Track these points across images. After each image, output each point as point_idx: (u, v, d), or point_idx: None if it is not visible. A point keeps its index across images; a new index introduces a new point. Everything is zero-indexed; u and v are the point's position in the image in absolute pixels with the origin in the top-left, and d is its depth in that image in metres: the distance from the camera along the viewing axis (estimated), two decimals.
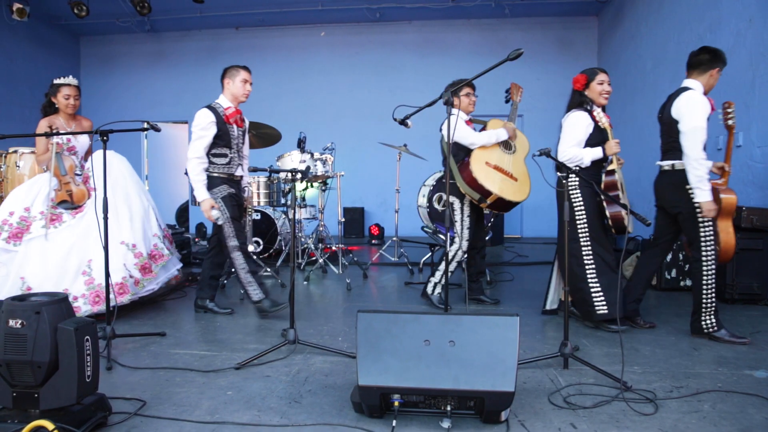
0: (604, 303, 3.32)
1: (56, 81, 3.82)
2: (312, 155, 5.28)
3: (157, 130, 3.13)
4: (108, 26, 9.48)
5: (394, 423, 1.97)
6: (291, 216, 2.88)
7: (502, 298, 4.35)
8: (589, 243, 3.36)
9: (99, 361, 1.99)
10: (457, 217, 3.85)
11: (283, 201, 5.94)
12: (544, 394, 2.34)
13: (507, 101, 4.14)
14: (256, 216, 6.19)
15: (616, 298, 3.25)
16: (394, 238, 6.02)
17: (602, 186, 3.35)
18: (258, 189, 5.64)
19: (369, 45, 9.56)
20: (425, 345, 1.99)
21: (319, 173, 5.28)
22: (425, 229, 5.81)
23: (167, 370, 2.63)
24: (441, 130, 3.87)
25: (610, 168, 3.39)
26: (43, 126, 3.73)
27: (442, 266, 3.88)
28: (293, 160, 5.23)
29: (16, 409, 1.85)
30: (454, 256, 3.85)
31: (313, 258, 5.71)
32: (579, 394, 2.34)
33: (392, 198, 6.56)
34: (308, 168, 5.09)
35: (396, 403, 1.99)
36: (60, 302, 1.91)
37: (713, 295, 3.15)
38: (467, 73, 3.60)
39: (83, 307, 3.43)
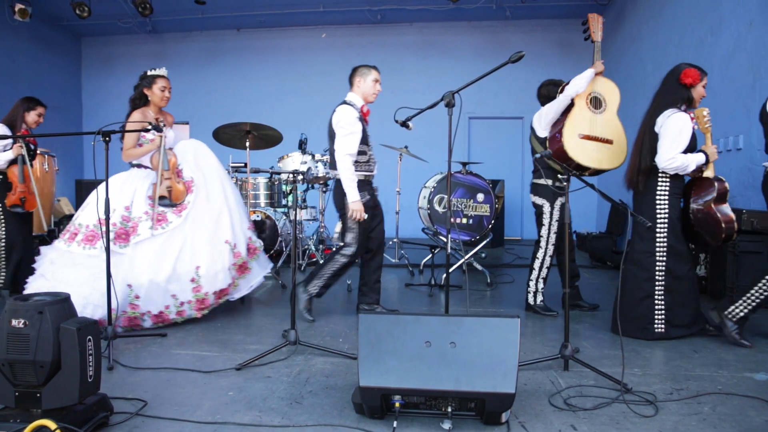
0: (663, 322, 3.17)
1: (151, 72, 3.70)
2: (313, 156, 5.29)
3: (159, 130, 3.14)
4: (109, 27, 9.50)
5: (395, 424, 1.97)
6: (292, 217, 2.88)
7: (502, 299, 4.35)
8: (664, 258, 3.17)
9: (101, 361, 2.00)
10: (546, 221, 3.75)
11: (284, 202, 5.95)
12: (544, 396, 2.35)
13: (586, 39, 3.85)
14: (257, 217, 6.19)
15: (681, 318, 3.19)
16: (395, 240, 6.03)
17: (716, 193, 3.16)
18: (259, 190, 5.64)
19: (370, 47, 9.58)
20: (426, 346, 2.00)
21: (320, 174, 5.29)
22: (426, 230, 5.82)
23: (168, 371, 2.64)
24: (532, 123, 3.86)
25: (706, 174, 3.23)
26: (137, 118, 3.56)
27: (534, 275, 3.82)
28: (294, 161, 5.24)
29: (18, 409, 1.86)
30: (542, 264, 3.77)
31: (314, 259, 5.72)
32: (579, 396, 2.35)
33: (393, 199, 6.55)
34: (309, 169, 5.09)
35: (397, 404, 2.00)
36: (62, 302, 1.92)
37: None
38: (468, 75, 3.60)
39: (188, 311, 3.41)
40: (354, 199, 3.40)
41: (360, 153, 3.49)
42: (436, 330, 2.02)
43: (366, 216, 3.46)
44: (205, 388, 2.42)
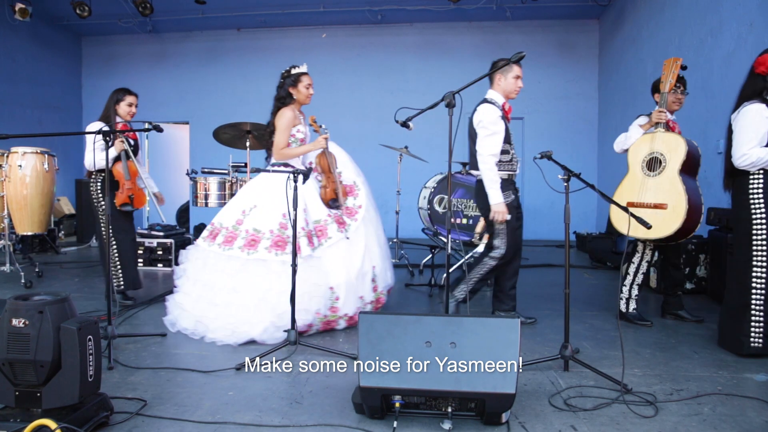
0: (761, 336, 2.88)
1: (295, 70, 3.64)
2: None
3: (160, 130, 3.14)
4: (110, 27, 9.49)
5: (395, 424, 1.98)
6: (292, 217, 2.88)
7: None
8: (765, 264, 2.87)
9: (101, 361, 2.00)
10: None
11: None
12: (544, 396, 2.35)
13: (655, 91, 3.62)
14: None
15: None
16: (395, 240, 6.03)
17: None
18: None
19: (370, 47, 9.58)
20: (426, 347, 2.00)
21: None
22: (426, 231, 5.82)
23: (168, 370, 2.64)
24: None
25: None
26: (289, 116, 3.55)
27: (628, 280, 3.66)
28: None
29: (18, 408, 1.86)
30: (637, 269, 3.65)
31: None
32: (579, 396, 2.35)
33: (393, 199, 6.56)
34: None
35: (397, 405, 2.00)
36: (63, 302, 1.92)
37: None
38: (469, 75, 3.60)
39: (367, 307, 3.41)
40: (497, 201, 3.28)
41: (503, 152, 3.37)
42: (436, 330, 2.02)
43: (509, 216, 3.34)
44: (205, 388, 2.42)
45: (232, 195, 5.38)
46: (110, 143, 3.79)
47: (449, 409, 2.00)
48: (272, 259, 3.19)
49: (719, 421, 2.12)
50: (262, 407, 2.21)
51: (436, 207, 5.36)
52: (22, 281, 4.62)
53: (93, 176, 3.95)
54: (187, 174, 5.71)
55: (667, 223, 3.18)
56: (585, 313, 3.91)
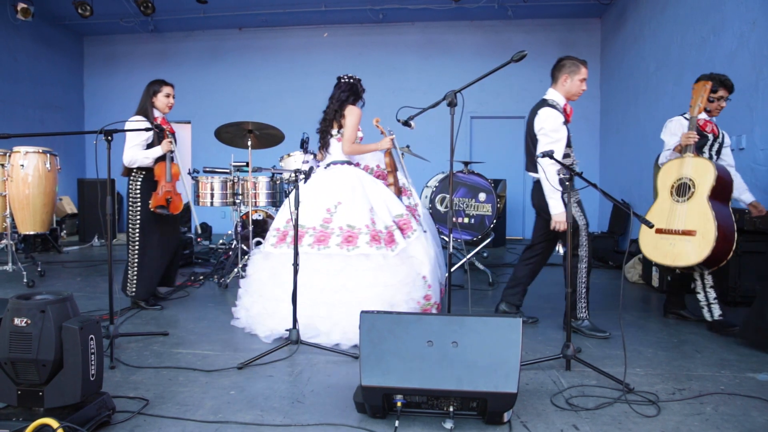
0: None
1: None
2: (315, 156, 5.28)
3: (161, 130, 3.14)
4: (111, 26, 9.50)
5: (396, 423, 1.97)
6: (294, 217, 2.88)
7: None
8: None
9: (103, 360, 2.00)
10: None
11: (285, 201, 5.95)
12: (546, 396, 2.34)
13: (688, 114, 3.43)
14: (258, 216, 6.20)
15: None
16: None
17: None
18: (261, 189, 5.64)
19: (372, 46, 9.57)
20: (428, 346, 2.00)
21: None
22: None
23: (170, 370, 2.64)
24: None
25: None
26: (359, 113, 3.70)
27: (708, 282, 3.42)
28: (296, 160, 5.23)
29: (20, 407, 1.86)
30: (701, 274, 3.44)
31: None
32: (581, 396, 2.35)
33: None
34: (311, 169, 5.08)
35: (399, 404, 2.00)
36: (64, 301, 1.92)
37: None
38: (470, 74, 3.60)
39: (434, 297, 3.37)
40: (558, 210, 3.17)
41: (564, 156, 3.25)
42: (438, 329, 2.01)
43: (580, 218, 3.30)
44: (206, 387, 2.42)
45: (234, 194, 5.38)
46: (155, 141, 3.75)
47: (451, 409, 2.00)
48: (374, 252, 3.18)
49: (722, 420, 2.12)
50: (264, 406, 2.21)
51: (438, 206, 5.36)
52: (25, 281, 4.63)
53: (133, 174, 3.80)
54: (189, 173, 5.71)
55: (696, 251, 3.09)
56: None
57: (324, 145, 3.78)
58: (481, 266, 5.28)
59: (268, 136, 4.94)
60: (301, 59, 9.69)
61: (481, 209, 5.40)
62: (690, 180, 3.22)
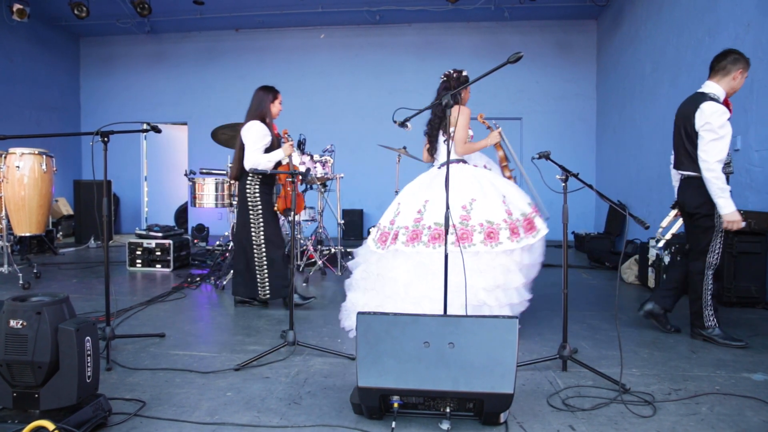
0: None
1: (465, 73, 3.64)
2: (312, 157, 5.29)
3: (158, 131, 3.14)
4: (108, 27, 9.49)
5: (393, 424, 1.98)
6: (290, 218, 2.88)
7: None
8: None
9: (99, 362, 1.99)
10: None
11: None
12: (542, 396, 2.35)
13: None
14: None
15: None
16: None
17: None
18: None
19: (368, 47, 9.59)
20: (425, 347, 2.00)
21: (318, 175, 5.29)
22: None
23: (167, 371, 2.64)
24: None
25: None
26: (469, 113, 3.55)
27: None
28: (293, 161, 5.23)
29: (16, 410, 1.85)
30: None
31: (312, 260, 5.72)
32: (577, 396, 2.35)
33: (391, 200, 6.56)
34: (308, 170, 5.09)
35: (395, 405, 2.00)
36: (61, 303, 1.91)
37: None
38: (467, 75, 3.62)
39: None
40: (730, 210, 3.01)
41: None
42: (434, 330, 2.02)
43: (744, 224, 3.12)
44: (203, 389, 2.42)
45: (230, 196, 5.38)
46: (274, 145, 3.78)
47: (447, 410, 2.00)
48: (515, 247, 3.14)
49: (717, 420, 2.12)
50: (261, 408, 2.21)
51: None
52: (20, 282, 4.62)
53: (249, 178, 3.80)
54: (186, 175, 5.70)
55: None
56: (583, 313, 3.92)
57: (433, 146, 3.69)
58: None
59: None
60: (298, 60, 9.70)
61: None
62: None
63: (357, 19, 9.25)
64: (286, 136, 3.85)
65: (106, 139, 2.88)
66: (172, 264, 5.70)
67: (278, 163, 3.83)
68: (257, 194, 3.80)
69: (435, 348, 1.99)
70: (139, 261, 5.74)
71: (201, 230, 8.63)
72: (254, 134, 3.72)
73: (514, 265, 3.15)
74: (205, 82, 9.84)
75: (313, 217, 6.06)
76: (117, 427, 2.02)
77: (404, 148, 5.78)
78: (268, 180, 3.85)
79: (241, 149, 3.79)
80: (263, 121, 3.82)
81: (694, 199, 3.18)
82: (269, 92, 3.89)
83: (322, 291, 4.77)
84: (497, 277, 3.09)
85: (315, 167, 5.27)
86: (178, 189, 10.61)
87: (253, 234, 3.80)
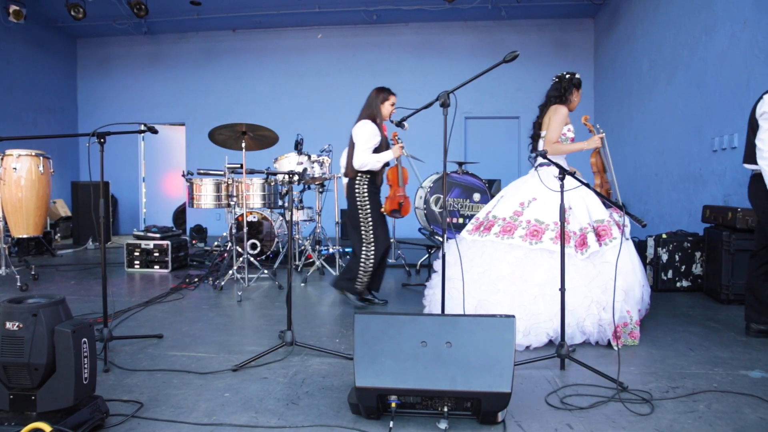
0: None
1: (578, 76, 3.62)
2: (309, 157, 5.29)
3: (155, 132, 3.13)
4: (105, 28, 9.48)
5: (391, 424, 1.98)
6: (288, 218, 2.88)
7: None
8: None
9: (96, 363, 1.99)
10: None
11: (280, 203, 5.95)
12: (540, 395, 2.35)
13: None
14: (253, 218, 6.19)
15: None
16: (392, 240, 6.03)
17: None
18: (255, 191, 5.64)
19: (366, 47, 9.58)
20: (422, 346, 2.00)
21: (316, 175, 5.29)
22: (422, 230, 5.82)
23: (164, 372, 2.63)
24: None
25: None
26: (564, 113, 3.52)
27: None
28: (290, 162, 5.23)
29: (12, 412, 1.85)
30: None
31: (311, 260, 5.72)
32: (575, 395, 2.35)
33: None
34: (305, 170, 5.09)
35: (393, 405, 2.00)
36: (57, 304, 1.91)
37: None
38: (464, 75, 3.61)
39: (636, 332, 3.09)
40: None
41: None
42: (431, 330, 2.02)
43: None
44: (201, 390, 2.41)
45: (228, 196, 5.38)
46: (383, 146, 3.80)
47: (445, 409, 2.00)
48: (557, 249, 3.06)
49: (715, 418, 2.13)
50: (259, 408, 2.21)
51: (433, 207, 5.36)
52: (18, 284, 4.61)
53: (358, 177, 3.84)
54: (183, 175, 5.70)
55: None
56: None
57: (534, 146, 3.70)
58: None
59: (262, 138, 4.93)
60: (295, 60, 9.69)
61: (475, 209, 5.41)
62: None
63: (354, 19, 9.24)
64: (396, 138, 3.87)
65: (102, 140, 2.87)
66: (170, 265, 5.70)
67: (387, 165, 3.88)
68: (365, 194, 3.85)
69: (432, 347, 1.99)
70: (137, 262, 5.73)
71: (199, 231, 8.62)
72: (364, 134, 3.76)
73: (548, 271, 3.09)
74: (203, 82, 9.83)
75: (311, 218, 6.06)
76: (114, 429, 2.02)
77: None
78: (374, 180, 3.90)
79: (351, 148, 3.85)
80: (373, 121, 3.85)
81: (759, 198, 3.12)
82: (381, 93, 3.93)
83: (320, 291, 4.77)
84: (523, 274, 3.14)
85: (312, 167, 5.27)
86: (175, 190, 10.61)
87: (363, 230, 3.85)
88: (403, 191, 3.86)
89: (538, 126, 3.65)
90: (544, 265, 3.14)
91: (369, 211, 3.84)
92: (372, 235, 3.85)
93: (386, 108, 3.92)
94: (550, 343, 3.03)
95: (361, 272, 3.89)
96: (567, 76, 3.59)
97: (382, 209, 3.86)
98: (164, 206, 10.50)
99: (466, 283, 3.21)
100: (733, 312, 3.90)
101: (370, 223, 3.84)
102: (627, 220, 3.34)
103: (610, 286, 2.99)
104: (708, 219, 4.53)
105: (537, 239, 3.19)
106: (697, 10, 5.52)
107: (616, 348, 2.96)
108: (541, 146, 3.58)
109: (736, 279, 4.10)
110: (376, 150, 3.81)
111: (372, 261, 3.87)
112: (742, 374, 2.63)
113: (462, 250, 3.38)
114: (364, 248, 3.87)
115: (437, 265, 3.42)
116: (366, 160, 3.74)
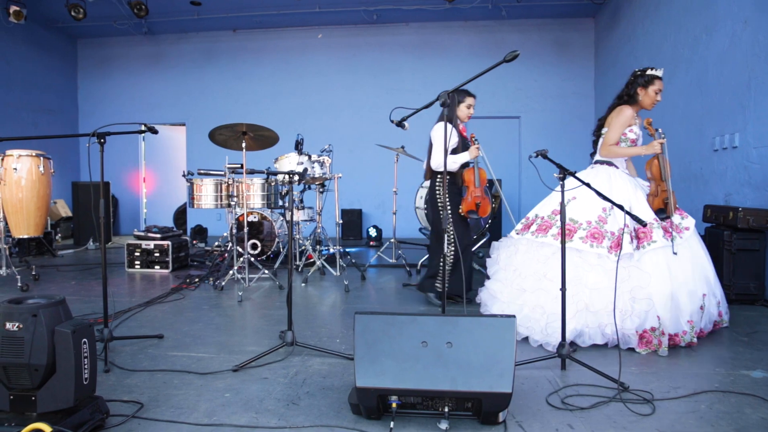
0: None
1: (651, 72, 3.42)
2: (309, 157, 5.28)
3: (155, 132, 3.13)
4: (105, 29, 9.48)
5: (391, 424, 1.97)
6: (288, 218, 2.88)
7: None
8: None
9: (96, 364, 1.99)
10: None
11: (280, 203, 5.95)
12: (541, 395, 2.34)
13: None
14: (253, 218, 6.19)
15: None
16: (392, 240, 6.02)
17: None
18: (255, 191, 5.64)
19: (366, 47, 9.58)
20: (423, 346, 1.99)
21: (316, 175, 5.28)
22: (423, 230, 5.82)
23: (165, 373, 2.63)
24: None
25: None
26: (628, 114, 3.41)
27: None
28: (291, 162, 5.23)
29: (13, 412, 1.85)
30: None
31: (311, 260, 5.71)
32: (576, 395, 2.35)
33: (390, 200, 6.56)
34: (305, 170, 5.08)
35: (394, 405, 1.99)
36: (57, 305, 1.91)
37: None
38: (464, 74, 3.61)
39: (695, 341, 3.03)
40: None
41: None
42: (432, 330, 2.01)
43: None
44: (201, 390, 2.41)
45: (229, 196, 5.38)
46: (460, 148, 3.81)
47: (446, 409, 2.00)
48: (587, 249, 3.11)
49: (716, 418, 2.12)
50: (259, 409, 2.21)
51: None
52: (19, 284, 4.61)
53: (438, 178, 3.85)
54: (184, 176, 5.70)
55: None
56: None
57: (595, 141, 3.69)
58: (476, 266, 5.28)
59: (262, 138, 4.93)
60: (296, 60, 9.69)
61: None
62: None
63: (354, 19, 9.24)
64: (473, 139, 3.88)
65: (102, 140, 2.87)
66: (170, 265, 5.70)
67: (465, 165, 3.89)
68: (446, 194, 3.83)
69: (433, 347, 1.99)
70: (137, 262, 5.73)
71: (200, 231, 8.62)
72: (441, 135, 3.75)
73: (574, 270, 3.07)
74: (203, 82, 9.83)
75: (311, 218, 6.06)
76: (115, 429, 2.02)
77: (402, 147, 5.78)
78: (454, 181, 3.91)
79: (430, 149, 3.87)
80: (451, 122, 3.83)
81: None
82: (457, 95, 3.90)
83: (320, 291, 4.77)
84: (548, 272, 3.19)
85: (313, 167, 5.26)
86: (176, 190, 10.61)
87: (442, 231, 3.85)
88: (480, 192, 3.84)
89: (600, 125, 3.62)
90: (570, 263, 3.11)
91: (450, 211, 3.81)
92: (451, 235, 3.81)
93: (462, 110, 3.92)
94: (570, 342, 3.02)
95: (440, 272, 3.89)
96: (638, 72, 3.49)
97: (460, 210, 3.85)
98: (165, 206, 10.50)
99: (502, 281, 3.36)
100: (734, 311, 3.89)
101: (450, 223, 3.83)
102: (690, 221, 3.32)
103: (639, 292, 2.97)
104: (709, 218, 4.53)
105: (568, 238, 3.18)
106: (698, 9, 5.52)
107: (642, 353, 2.93)
108: (599, 146, 3.57)
109: (738, 278, 4.10)
110: (454, 151, 3.84)
111: (450, 260, 3.84)
112: (743, 374, 2.62)
113: (506, 249, 3.51)
114: (443, 248, 3.84)
115: (491, 268, 3.57)
116: (442, 161, 3.71)
